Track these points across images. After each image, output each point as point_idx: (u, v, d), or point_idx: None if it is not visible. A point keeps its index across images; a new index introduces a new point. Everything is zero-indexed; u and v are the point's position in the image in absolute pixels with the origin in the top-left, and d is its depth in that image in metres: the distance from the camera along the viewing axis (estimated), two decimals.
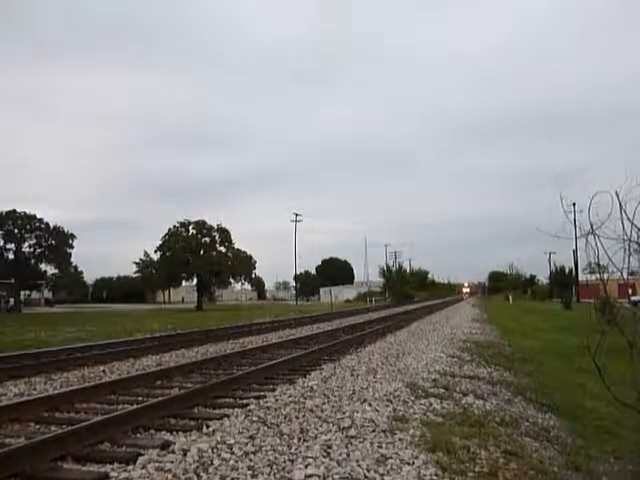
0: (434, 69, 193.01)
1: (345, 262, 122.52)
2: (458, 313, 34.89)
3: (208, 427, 5.26)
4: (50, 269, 53.36)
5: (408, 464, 4.28)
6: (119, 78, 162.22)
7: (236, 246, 55.56)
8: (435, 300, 68.39)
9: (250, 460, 4.24)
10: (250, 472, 4.00)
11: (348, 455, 4.42)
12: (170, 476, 3.88)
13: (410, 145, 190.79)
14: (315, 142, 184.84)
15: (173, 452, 4.40)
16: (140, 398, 7.01)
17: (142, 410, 5.73)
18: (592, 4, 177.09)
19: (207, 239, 54.08)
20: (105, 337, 16.59)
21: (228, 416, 5.72)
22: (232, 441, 4.69)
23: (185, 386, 7.87)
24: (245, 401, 6.70)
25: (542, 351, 14.35)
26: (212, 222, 54.62)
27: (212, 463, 4.14)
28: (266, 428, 5.20)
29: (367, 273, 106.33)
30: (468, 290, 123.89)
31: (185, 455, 4.30)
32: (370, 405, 6.26)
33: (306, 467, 4.10)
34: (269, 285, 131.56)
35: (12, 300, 47.22)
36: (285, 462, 4.23)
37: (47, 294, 72.02)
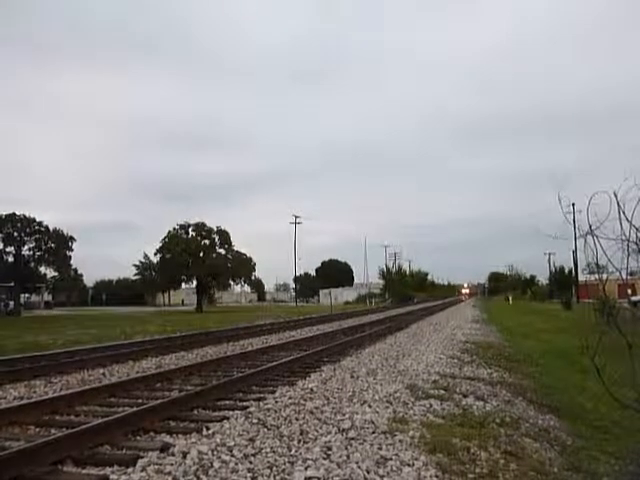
0: (434, 70, 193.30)
1: (345, 264, 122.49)
2: (458, 314, 34.88)
3: (208, 429, 5.25)
4: (50, 272, 53.20)
5: (408, 465, 4.28)
6: (119, 80, 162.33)
7: (236, 248, 55.54)
8: (435, 301, 68.40)
9: (250, 462, 4.24)
10: (250, 474, 3.99)
11: (348, 457, 4.41)
12: (170, 479, 3.87)
13: (410, 146, 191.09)
14: (315, 143, 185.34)
15: (173, 454, 4.40)
16: (140, 400, 7.00)
17: (142, 412, 5.72)
18: (592, 5, 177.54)
19: (207, 241, 54.03)
20: (105, 340, 16.57)
21: (228, 418, 5.72)
22: (232, 443, 4.68)
23: (185, 388, 7.86)
24: (245, 403, 6.70)
25: (542, 352, 14.34)
26: (212, 224, 54.68)
27: (212, 465, 4.14)
28: (266, 430, 5.19)
29: (367, 274, 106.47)
30: (468, 291, 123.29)
31: (185, 457, 4.30)
32: (370, 407, 6.26)
33: (306, 469, 4.10)
34: (269, 287, 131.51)
35: (12, 303, 47.18)
36: (285, 464, 4.22)
37: (47, 297, 71.89)
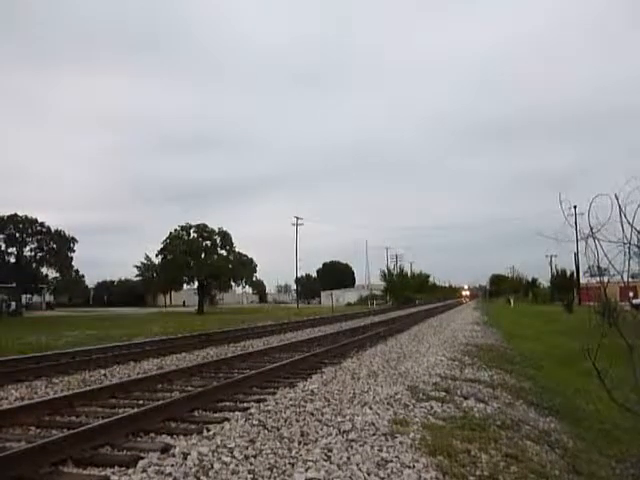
0: (434, 70, 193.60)
1: (346, 265, 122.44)
2: (459, 316, 34.85)
3: (208, 430, 5.25)
4: (51, 273, 53.25)
5: (409, 467, 4.27)
6: (120, 82, 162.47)
7: (237, 249, 55.57)
8: (436, 303, 68.33)
9: (250, 464, 4.24)
10: (250, 476, 3.99)
11: (349, 459, 4.41)
12: None
13: (410, 147, 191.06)
14: (316, 145, 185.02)
15: (173, 456, 4.40)
16: (141, 401, 7.01)
17: (142, 413, 5.73)
18: (592, 5, 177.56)
19: (208, 242, 54.04)
20: (106, 340, 16.58)
21: (229, 419, 5.72)
22: (232, 444, 4.68)
23: (186, 389, 7.87)
24: (246, 404, 6.70)
25: (543, 354, 14.33)
26: (213, 225, 54.71)
27: (212, 467, 4.13)
28: (266, 431, 5.19)
29: (368, 276, 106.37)
30: (468, 293, 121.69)
31: (185, 459, 4.30)
32: (371, 408, 6.26)
33: (306, 470, 4.10)
34: (270, 288, 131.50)
35: (14, 304, 47.25)
36: (285, 465, 4.22)
37: (48, 298, 71.96)
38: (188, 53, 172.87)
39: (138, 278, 71.49)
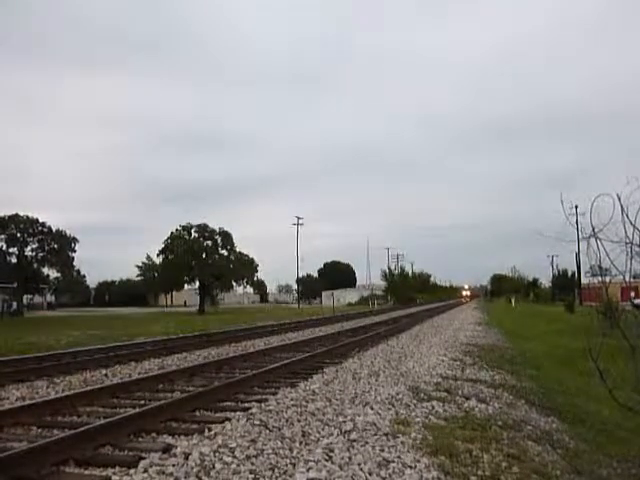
0: (434, 71, 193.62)
1: (347, 265, 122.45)
2: (460, 316, 34.83)
3: (210, 430, 5.25)
4: (53, 273, 53.23)
5: (410, 467, 4.27)
6: (120, 82, 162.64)
7: (238, 249, 55.57)
8: (437, 303, 68.30)
9: (252, 464, 4.24)
10: (252, 476, 3.99)
11: (350, 459, 4.41)
12: None
13: (410, 147, 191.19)
14: (316, 145, 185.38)
15: (175, 456, 4.40)
16: (142, 401, 7.01)
17: (144, 413, 5.73)
18: (592, 6, 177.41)
19: (209, 242, 54.08)
20: (107, 340, 16.59)
21: (230, 419, 5.71)
22: (234, 444, 4.68)
23: (187, 389, 7.87)
24: (247, 404, 6.69)
25: (545, 354, 14.31)
26: (214, 226, 54.72)
27: (214, 467, 4.13)
28: (268, 431, 5.19)
29: (369, 276, 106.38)
30: (469, 293, 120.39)
31: (187, 459, 4.30)
32: (372, 408, 6.25)
33: (308, 471, 4.10)
34: (271, 288, 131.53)
35: (15, 304, 47.28)
36: (287, 465, 4.22)
37: (50, 298, 72.03)
38: (188, 53, 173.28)
39: (139, 278, 71.65)
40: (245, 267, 55.78)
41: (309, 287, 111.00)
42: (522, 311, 46.26)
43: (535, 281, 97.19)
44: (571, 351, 12.88)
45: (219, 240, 54.30)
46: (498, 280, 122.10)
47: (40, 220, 48.97)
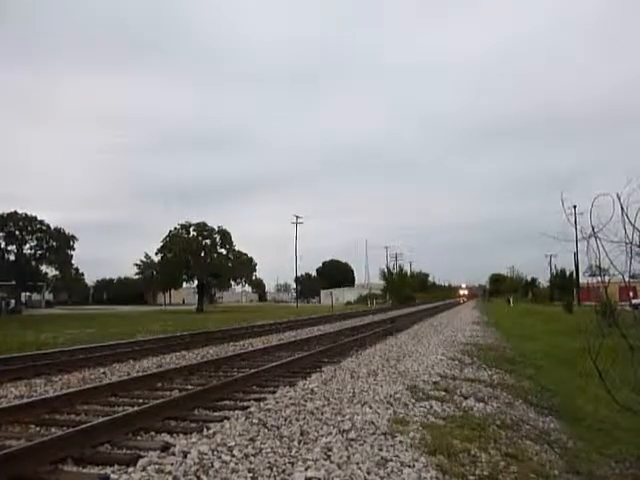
0: (434, 70, 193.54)
1: (346, 264, 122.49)
2: (459, 316, 34.86)
3: (208, 429, 5.25)
4: (51, 271, 53.26)
5: (409, 467, 4.27)
6: (119, 80, 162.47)
7: (237, 248, 55.58)
8: (436, 302, 68.34)
9: (250, 462, 4.24)
10: (250, 474, 3.99)
11: (348, 458, 4.41)
12: (170, 478, 3.87)
13: (410, 147, 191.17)
14: (315, 145, 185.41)
15: (173, 454, 4.40)
16: (141, 400, 7.00)
17: (142, 412, 5.72)
18: (592, 6, 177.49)
19: (208, 241, 54.07)
20: (105, 339, 16.58)
21: (228, 418, 5.72)
22: (232, 443, 4.68)
23: (185, 388, 7.86)
24: (245, 403, 6.69)
25: (543, 354, 14.32)
26: (213, 224, 54.71)
27: (212, 465, 4.13)
28: (266, 430, 5.19)
29: (368, 275, 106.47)
30: (466, 292, 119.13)
31: (185, 457, 4.30)
32: (370, 407, 6.25)
33: (306, 470, 4.10)
34: (270, 287, 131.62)
35: (13, 302, 47.26)
36: (285, 464, 4.22)
37: (48, 296, 71.99)
38: (188, 53, 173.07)
39: (138, 276, 71.45)
40: (244, 266, 55.79)
41: (308, 286, 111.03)
42: (520, 311, 46.29)
43: (533, 281, 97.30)
44: (569, 351, 12.89)
45: (218, 239, 54.30)
46: (497, 280, 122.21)
47: (39, 218, 49.03)
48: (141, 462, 4.21)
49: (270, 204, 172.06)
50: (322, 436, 5.03)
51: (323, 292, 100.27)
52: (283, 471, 4.08)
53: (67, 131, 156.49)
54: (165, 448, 4.61)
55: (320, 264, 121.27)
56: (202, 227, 54.06)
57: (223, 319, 30.81)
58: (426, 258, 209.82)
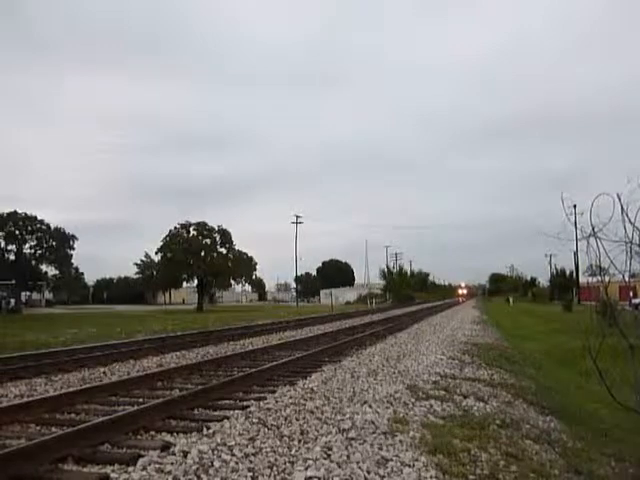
0: (434, 71, 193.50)
1: (346, 264, 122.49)
2: (459, 315, 34.86)
3: (208, 429, 5.25)
4: (51, 270, 53.22)
5: (409, 466, 4.27)
6: (119, 80, 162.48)
7: (237, 247, 55.62)
8: (436, 302, 68.36)
9: (250, 462, 4.24)
10: (250, 474, 3.99)
11: (348, 457, 4.41)
12: (170, 478, 3.87)
13: (410, 147, 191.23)
14: (315, 144, 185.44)
15: (173, 454, 4.39)
16: (140, 399, 7.00)
17: (142, 411, 5.72)
18: (591, 7, 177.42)
19: (208, 240, 54.06)
20: (105, 338, 16.58)
21: (228, 418, 5.71)
22: (232, 443, 4.68)
23: (185, 387, 7.86)
24: (245, 403, 6.69)
25: (543, 354, 14.34)
26: (213, 224, 54.70)
27: (212, 465, 4.13)
28: (266, 430, 5.19)
29: (368, 275, 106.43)
30: (465, 292, 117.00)
31: (185, 457, 4.30)
32: (370, 407, 6.25)
33: (306, 469, 4.10)
34: (270, 286, 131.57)
35: (13, 301, 47.23)
36: (285, 464, 4.22)
37: (48, 295, 72.01)
38: (188, 53, 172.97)
39: (138, 276, 71.56)
40: (244, 265, 55.83)
41: (308, 286, 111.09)
42: (520, 310, 46.33)
43: (533, 280, 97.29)
44: (569, 350, 12.90)
45: (218, 238, 54.31)
46: (496, 279, 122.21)
47: (38, 218, 49.00)
48: (141, 461, 4.21)
49: (270, 204, 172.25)
50: (322, 435, 5.03)
51: (323, 292, 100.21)
52: (283, 470, 4.08)
53: (67, 131, 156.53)
54: (165, 447, 4.61)
55: (320, 264, 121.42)
56: (202, 226, 54.07)
57: (223, 318, 30.80)
58: (426, 258, 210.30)
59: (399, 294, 75.15)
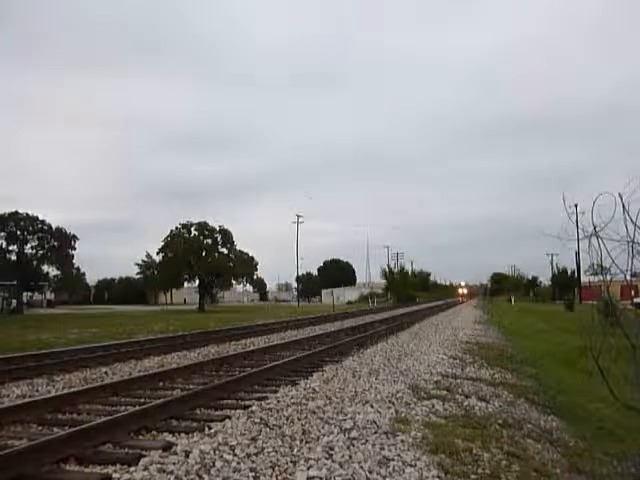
0: (434, 70, 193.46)
1: (347, 263, 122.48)
2: (460, 315, 34.84)
3: (210, 428, 5.25)
4: (52, 270, 53.21)
5: (410, 466, 4.27)
6: (120, 80, 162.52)
7: (238, 247, 55.61)
8: (437, 301, 68.32)
9: (252, 462, 4.24)
10: (252, 474, 3.99)
11: (350, 457, 4.41)
12: (172, 478, 3.87)
13: (410, 147, 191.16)
14: (316, 144, 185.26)
15: (175, 453, 4.40)
16: (142, 399, 7.01)
17: (144, 411, 5.72)
18: (592, 6, 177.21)
19: (209, 240, 54.05)
20: (107, 338, 16.59)
21: (230, 417, 5.72)
22: (234, 442, 4.68)
23: (187, 387, 7.87)
24: (247, 402, 6.69)
25: (544, 353, 14.32)
26: (214, 224, 54.70)
27: (214, 465, 4.13)
28: (268, 429, 5.19)
29: (369, 274, 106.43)
30: (466, 291, 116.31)
31: (187, 456, 4.30)
32: (372, 407, 6.25)
33: (308, 469, 4.10)
34: (271, 286, 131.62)
35: (14, 301, 47.28)
36: (287, 464, 4.22)
37: (49, 295, 72.00)
38: (188, 53, 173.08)
39: (139, 276, 71.53)
40: (245, 265, 55.83)
41: (309, 285, 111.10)
42: (522, 310, 46.28)
43: (535, 280, 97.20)
44: (571, 350, 12.87)
45: (219, 238, 54.29)
46: (498, 279, 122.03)
47: (40, 218, 49.02)
48: (143, 461, 4.21)
49: (271, 203, 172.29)
50: (324, 435, 5.03)
51: (324, 291, 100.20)
52: (285, 470, 4.08)
53: (68, 130, 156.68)
54: (167, 447, 4.61)
55: (321, 263, 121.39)
56: (203, 226, 54.04)
57: (224, 318, 30.81)
58: (427, 257, 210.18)
59: (400, 294, 75.13)
